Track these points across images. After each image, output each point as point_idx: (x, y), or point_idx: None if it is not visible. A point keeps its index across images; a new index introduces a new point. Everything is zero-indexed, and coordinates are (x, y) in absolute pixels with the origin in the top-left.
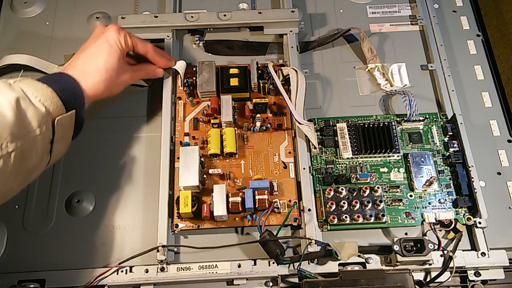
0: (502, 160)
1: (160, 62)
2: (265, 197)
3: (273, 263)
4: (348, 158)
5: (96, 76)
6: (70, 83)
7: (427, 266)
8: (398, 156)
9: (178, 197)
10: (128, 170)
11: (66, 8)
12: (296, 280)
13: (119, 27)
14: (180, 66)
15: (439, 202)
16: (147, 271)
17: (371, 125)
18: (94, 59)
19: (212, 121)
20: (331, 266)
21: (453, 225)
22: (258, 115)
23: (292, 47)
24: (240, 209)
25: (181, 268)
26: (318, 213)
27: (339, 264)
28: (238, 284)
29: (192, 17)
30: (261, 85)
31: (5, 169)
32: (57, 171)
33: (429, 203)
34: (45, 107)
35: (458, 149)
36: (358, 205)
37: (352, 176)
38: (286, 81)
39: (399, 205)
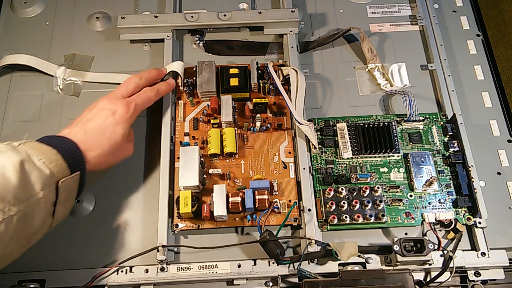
0: (502, 160)
1: (164, 93)
2: (265, 197)
3: (273, 263)
4: (348, 158)
5: (99, 150)
6: (73, 148)
7: (427, 266)
8: (398, 156)
9: (178, 197)
10: (128, 170)
11: (66, 8)
12: (296, 280)
13: (129, 102)
14: (178, 67)
15: (439, 202)
16: (147, 271)
17: (371, 125)
18: (98, 134)
19: (212, 121)
20: (331, 266)
21: (453, 225)
22: (258, 115)
23: (292, 47)
24: (240, 209)
25: (181, 268)
26: (318, 213)
27: (339, 264)
28: (238, 284)
29: (192, 17)
30: (261, 85)
31: (6, 233)
32: None
33: (429, 203)
34: (49, 169)
35: (458, 149)
36: (358, 205)
37: (352, 176)
38: (286, 81)
39: (399, 205)
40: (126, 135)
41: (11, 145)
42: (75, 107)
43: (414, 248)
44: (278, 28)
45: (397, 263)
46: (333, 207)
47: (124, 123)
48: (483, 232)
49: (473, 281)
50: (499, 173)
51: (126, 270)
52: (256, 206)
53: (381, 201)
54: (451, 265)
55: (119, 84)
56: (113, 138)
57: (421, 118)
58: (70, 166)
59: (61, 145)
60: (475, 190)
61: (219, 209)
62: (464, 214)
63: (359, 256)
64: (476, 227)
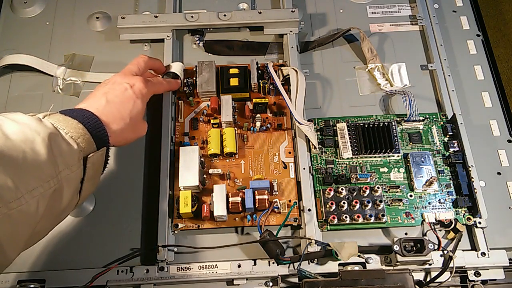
0: (502, 160)
1: (173, 88)
2: (265, 197)
3: (273, 263)
4: (348, 158)
5: (121, 123)
6: (97, 122)
7: (427, 266)
8: (398, 156)
9: (178, 197)
10: (128, 170)
11: (66, 8)
12: (296, 280)
13: (145, 79)
14: (177, 68)
15: (439, 202)
16: (147, 271)
17: (371, 125)
18: (120, 106)
19: (212, 121)
20: (331, 266)
21: (453, 225)
22: (258, 115)
23: (292, 47)
24: (240, 209)
25: (181, 268)
26: (318, 213)
27: (339, 264)
28: (238, 284)
29: (192, 17)
30: (261, 85)
31: (38, 211)
32: None
33: (429, 203)
34: (77, 144)
35: (458, 149)
36: (358, 205)
37: (352, 176)
38: (286, 81)
39: (399, 205)
40: (144, 111)
41: (37, 117)
42: None
43: (414, 248)
44: (278, 28)
45: (397, 263)
46: (333, 207)
47: (143, 97)
48: (483, 232)
49: (473, 281)
50: (499, 173)
51: (126, 270)
52: (256, 206)
53: (381, 201)
54: (451, 265)
55: None
56: (134, 112)
57: (421, 118)
58: (96, 141)
59: (83, 118)
60: (475, 190)
61: (219, 209)
62: (464, 214)
63: (359, 256)
64: (476, 227)
